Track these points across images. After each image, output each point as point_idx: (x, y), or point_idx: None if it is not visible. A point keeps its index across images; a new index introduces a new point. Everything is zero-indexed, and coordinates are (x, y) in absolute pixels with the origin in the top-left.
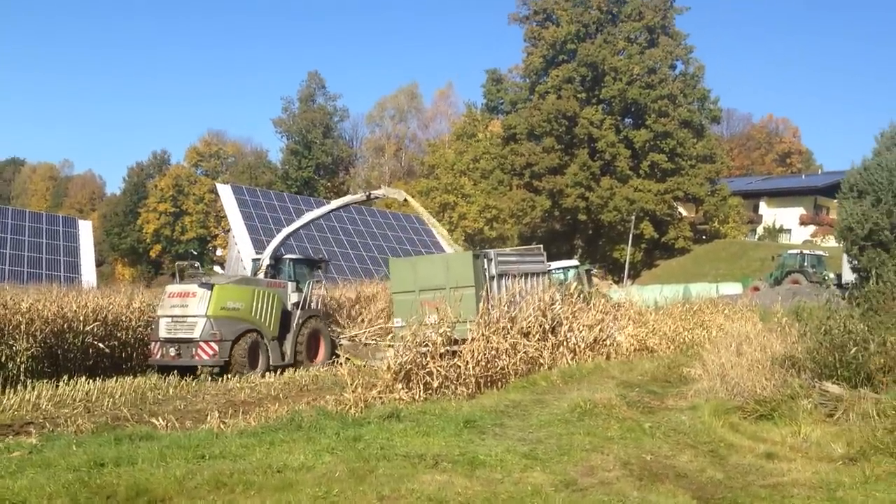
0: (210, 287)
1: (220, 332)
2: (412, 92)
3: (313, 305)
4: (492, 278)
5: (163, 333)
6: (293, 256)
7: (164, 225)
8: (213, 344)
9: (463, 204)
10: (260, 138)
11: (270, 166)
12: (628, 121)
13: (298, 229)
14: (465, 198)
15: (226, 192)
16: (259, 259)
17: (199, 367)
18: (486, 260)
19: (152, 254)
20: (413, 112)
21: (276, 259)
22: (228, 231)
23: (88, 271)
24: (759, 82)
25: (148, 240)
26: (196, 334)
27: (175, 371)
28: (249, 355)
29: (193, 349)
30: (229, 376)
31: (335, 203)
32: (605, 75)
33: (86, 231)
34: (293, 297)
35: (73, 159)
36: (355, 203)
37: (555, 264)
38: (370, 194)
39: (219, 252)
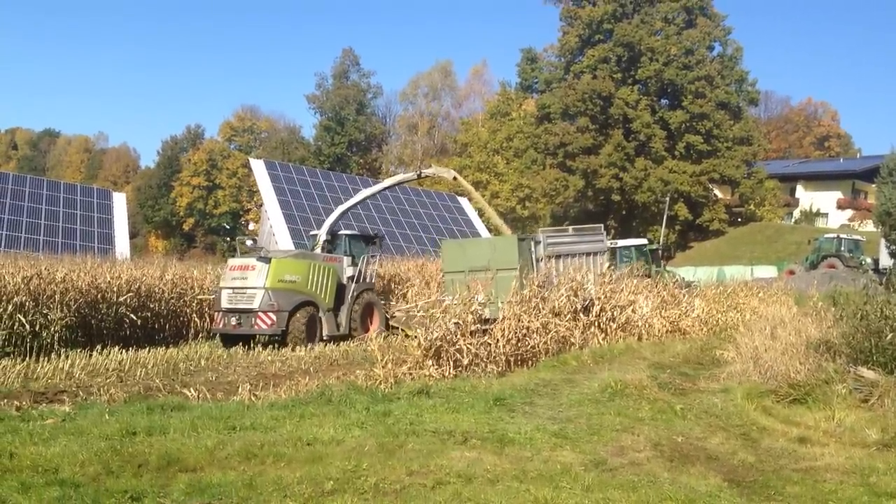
0: (268, 261)
1: (277, 302)
2: (446, 70)
3: (368, 279)
4: (539, 260)
5: (224, 304)
6: (349, 232)
7: (198, 198)
8: (271, 314)
9: (495, 182)
10: (293, 114)
11: (303, 142)
12: (664, 102)
13: (353, 206)
14: (497, 176)
15: (259, 167)
16: (317, 235)
17: (259, 335)
18: (533, 242)
19: (185, 227)
20: (447, 90)
21: (333, 234)
22: (261, 206)
23: (122, 243)
24: (799, 65)
25: (181, 213)
26: (255, 305)
27: (240, 343)
28: (308, 328)
29: (253, 319)
30: (258, 347)
31: (388, 182)
32: (641, 55)
33: (120, 203)
34: (348, 271)
35: (107, 132)
36: (407, 182)
37: (622, 242)
38: (421, 173)
39: (251, 226)
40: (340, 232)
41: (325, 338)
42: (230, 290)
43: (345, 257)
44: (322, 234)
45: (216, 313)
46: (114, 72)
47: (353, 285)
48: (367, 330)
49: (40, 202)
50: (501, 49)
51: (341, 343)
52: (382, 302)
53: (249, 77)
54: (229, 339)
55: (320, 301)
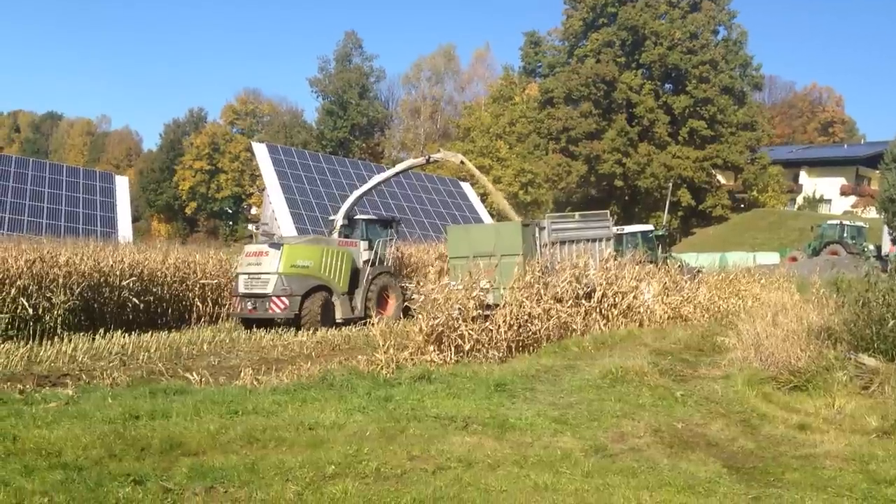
0: (280, 247)
1: (290, 287)
2: (449, 53)
3: (385, 263)
4: (544, 246)
5: (241, 289)
6: (366, 217)
7: (200, 182)
8: (284, 298)
9: (498, 167)
10: (295, 98)
11: (306, 126)
12: (668, 86)
13: (368, 191)
14: (500, 161)
15: (261, 151)
16: (334, 220)
17: (275, 319)
18: (537, 228)
19: (188, 211)
20: (449, 74)
21: (350, 219)
22: (263, 190)
23: (125, 227)
24: (804, 50)
25: (184, 197)
26: (269, 289)
27: (255, 325)
28: (323, 311)
29: (267, 303)
30: (261, 331)
31: (399, 167)
32: (645, 39)
33: (122, 186)
34: (364, 255)
35: (110, 115)
36: (416, 167)
37: (629, 228)
38: (430, 158)
39: (253, 210)
40: (357, 216)
41: (339, 321)
42: (246, 276)
43: (361, 241)
44: (339, 218)
45: (234, 298)
46: (116, 54)
47: (369, 269)
48: (382, 313)
49: (43, 185)
50: (505, 32)
51: (343, 328)
52: (400, 286)
53: (252, 60)
54: (247, 323)
55: (334, 285)
